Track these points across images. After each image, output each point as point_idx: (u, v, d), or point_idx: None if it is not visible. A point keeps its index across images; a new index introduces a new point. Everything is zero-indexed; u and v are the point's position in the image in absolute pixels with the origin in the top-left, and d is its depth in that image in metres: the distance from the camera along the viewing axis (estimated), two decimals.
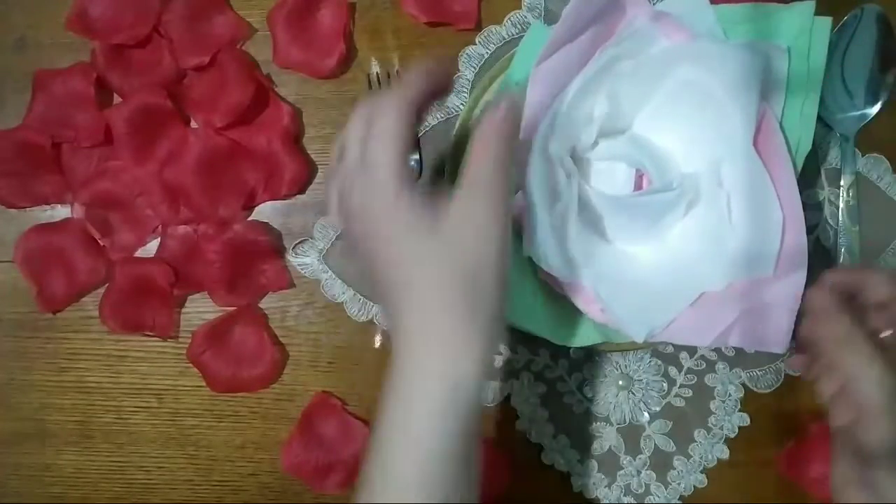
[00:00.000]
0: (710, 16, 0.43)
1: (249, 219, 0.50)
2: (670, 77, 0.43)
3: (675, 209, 0.43)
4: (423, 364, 0.32)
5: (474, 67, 0.50)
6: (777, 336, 0.42)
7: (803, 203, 0.42)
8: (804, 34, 0.44)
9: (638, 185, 0.45)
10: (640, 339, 0.41)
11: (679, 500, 0.49)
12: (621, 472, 0.49)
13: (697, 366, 0.49)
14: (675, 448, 0.49)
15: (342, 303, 0.50)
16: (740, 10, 0.44)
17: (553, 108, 0.42)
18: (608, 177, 0.45)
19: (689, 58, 0.42)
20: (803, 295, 0.41)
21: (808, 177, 0.48)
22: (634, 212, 0.44)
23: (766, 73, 0.42)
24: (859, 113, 0.48)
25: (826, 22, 0.44)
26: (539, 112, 0.42)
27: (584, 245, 0.43)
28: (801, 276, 0.41)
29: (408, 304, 0.33)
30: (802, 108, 0.44)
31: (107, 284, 0.50)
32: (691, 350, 0.49)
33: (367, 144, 0.34)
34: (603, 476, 0.49)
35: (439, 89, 0.37)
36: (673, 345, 0.48)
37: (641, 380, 0.49)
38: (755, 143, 0.42)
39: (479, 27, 0.50)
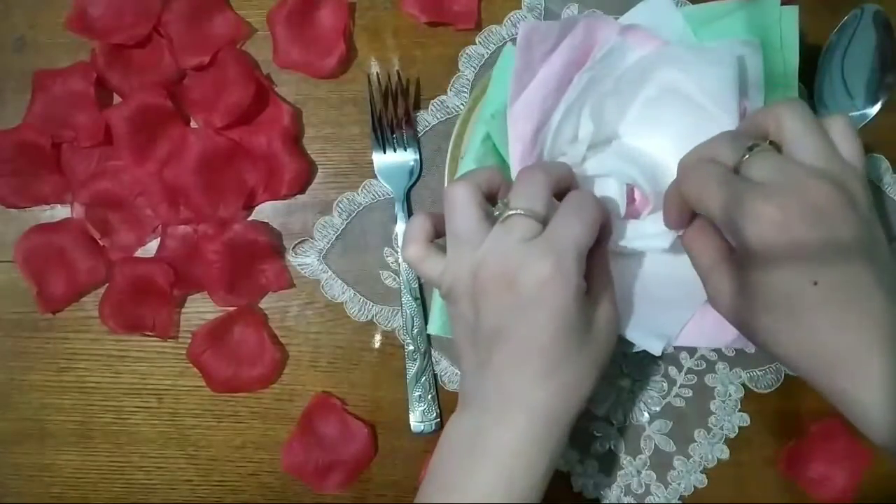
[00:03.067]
0: (677, 20, 0.43)
1: (249, 219, 0.50)
2: (649, 83, 0.43)
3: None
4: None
5: (474, 67, 0.50)
6: None
7: None
8: (774, 26, 0.43)
9: (630, 198, 0.44)
10: (657, 353, 0.41)
11: (679, 500, 0.49)
12: (621, 472, 0.49)
13: (697, 366, 0.49)
14: (675, 448, 0.49)
15: (342, 303, 0.50)
16: (707, 10, 0.44)
17: (539, 143, 0.42)
18: (598, 193, 0.44)
19: (664, 63, 0.42)
20: None
21: None
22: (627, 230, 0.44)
23: (743, 70, 0.42)
24: (859, 113, 0.48)
25: (793, 10, 0.43)
26: (527, 149, 0.42)
27: None
28: None
29: (529, 377, 0.35)
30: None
31: (107, 284, 0.50)
32: (691, 350, 0.49)
33: (567, 219, 0.35)
34: (603, 476, 0.49)
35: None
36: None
37: (641, 380, 0.49)
38: None
39: (479, 27, 0.50)
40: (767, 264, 0.32)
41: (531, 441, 0.34)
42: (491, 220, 0.36)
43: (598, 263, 0.38)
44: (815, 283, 0.31)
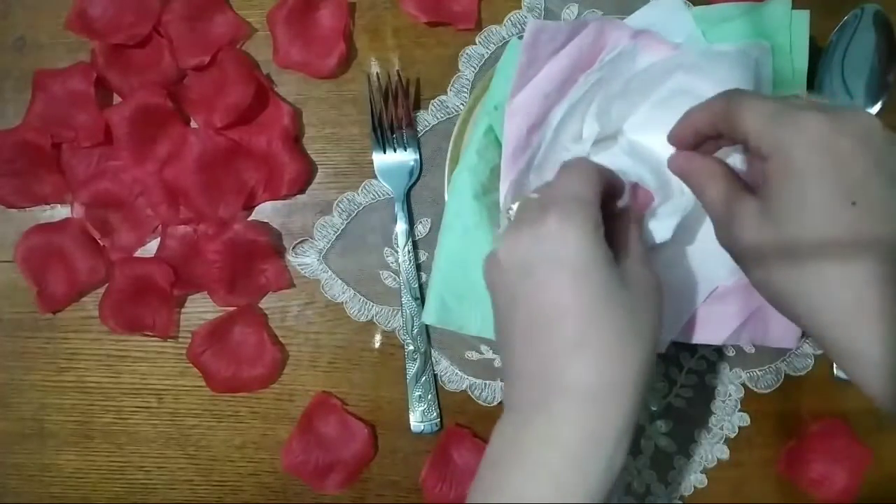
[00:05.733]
0: (688, 20, 0.43)
1: (249, 219, 0.50)
2: (662, 87, 0.43)
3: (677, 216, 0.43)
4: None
5: (474, 67, 0.50)
6: (787, 332, 0.42)
7: None
8: (784, 29, 0.43)
9: (633, 197, 0.44)
10: (662, 350, 0.41)
11: (679, 500, 0.49)
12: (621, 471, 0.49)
13: (698, 366, 0.49)
14: (675, 448, 0.49)
15: (342, 303, 0.50)
16: (718, 11, 0.44)
17: (535, 141, 0.42)
18: None
19: (679, 67, 0.42)
20: None
21: None
22: None
23: (756, 72, 0.42)
24: None
25: (804, 15, 0.44)
26: (520, 144, 0.42)
27: None
28: None
29: (571, 359, 0.30)
30: None
31: (107, 284, 0.50)
32: (692, 350, 0.49)
33: (565, 181, 0.34)
34: None
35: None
36: (674, 345, 0.48)
37: None
38: None
39: (479, 27, 0.50)
40: (805, 181, 0.30)
41: (573, 428, 0.30)
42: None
43: (620, 228, 0.35)
44: (854, 203, 0.30)
